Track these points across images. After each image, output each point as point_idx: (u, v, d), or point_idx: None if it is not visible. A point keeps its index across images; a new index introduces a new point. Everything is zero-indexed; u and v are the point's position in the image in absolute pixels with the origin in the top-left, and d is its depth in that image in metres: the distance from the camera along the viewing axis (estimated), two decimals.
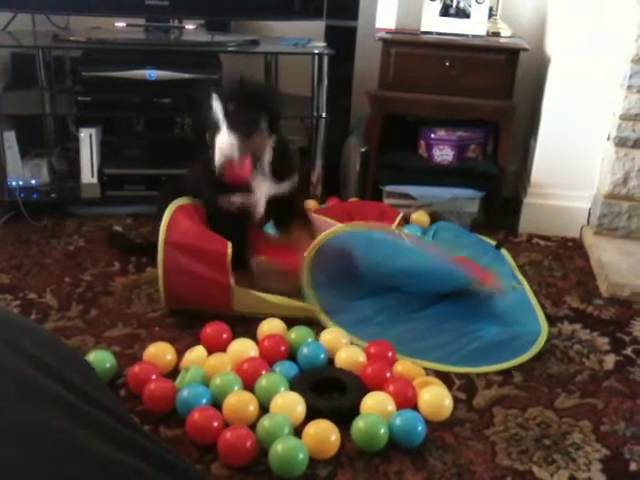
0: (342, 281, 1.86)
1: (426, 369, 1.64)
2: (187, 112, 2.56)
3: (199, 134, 1.81)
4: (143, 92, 2.39)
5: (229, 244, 1.79)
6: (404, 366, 1.61)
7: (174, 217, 1.83)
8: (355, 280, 1.87)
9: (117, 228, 2.30)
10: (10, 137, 2.38)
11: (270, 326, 1.73)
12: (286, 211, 1.97)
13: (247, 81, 1.81)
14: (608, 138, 2.35)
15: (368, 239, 1.88)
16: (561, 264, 2.26)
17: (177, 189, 1.97)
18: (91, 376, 1.08)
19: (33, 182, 2.44)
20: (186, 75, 2.40)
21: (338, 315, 1.80)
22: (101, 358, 1.57)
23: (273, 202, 1.93)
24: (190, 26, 2.59)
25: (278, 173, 1.89)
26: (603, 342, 1.82)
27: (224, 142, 1.70)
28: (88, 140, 2.40)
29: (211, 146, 1.75)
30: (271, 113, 1.82)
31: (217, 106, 1.73)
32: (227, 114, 1.72)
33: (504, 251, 2.26)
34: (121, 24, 2.52)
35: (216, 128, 1.73)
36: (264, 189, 1.89)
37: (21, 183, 2.41)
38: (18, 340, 0.88)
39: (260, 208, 1.91)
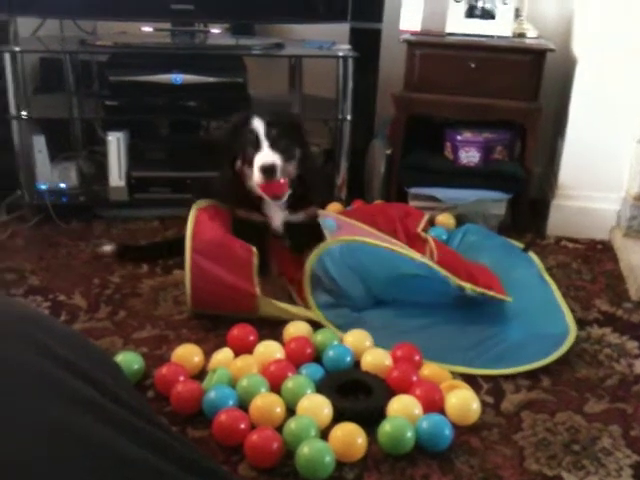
0: (342, 297, 1.86)
1: (452, 373, 1.63)
2: (214, 117, 2.59)
3: (230, 147, 1.89)
4: (169, 96, 2.41)
5: (255, 252, 1.81)
6: (430, 370, 1.61)
7: (199, 221, 1.86)
8: (354, 293, 1.87)
9: (107, 248, 2.19)
10: (40, 141, 2.41)
11: (296, 328, 1.73)
12: (303, 237, 1.98)
13: (286, 112, 1.98)
14: (638, 141, 2.31)
15: (362, 249, 1.88)
16: (590, 267, 2.24)
17: (205, 192, 1.99)
18: (119, 377, 1.09)
19: (62, 185, 2.47)
20: (211, 79, 2.42)
21: (352, 328, 1.76)
22: (129, 359, 1.58)
23: (290, 226, 1.97)
24: (215, 30, 2.61)
25: (296, 203, 1.93)
26: (633, 346, 1.80)
27: (267, 160, 1.80)
28: (116, 144, 2.42)
29: (244, 161, 1.85)
30: (303, 147, 1.92)
31: (259, 127, 1.83)
32: (270, 136, 1.82)
33: (532, 254, 2.24)
34: (147, 28, 2.55)
35: (255, 146, 1.82)
36: (279, 215, 1.94)
37: (50, 186, 2.44)
38: (46, 341, 0.89)
39: (277, 228, 1.96)
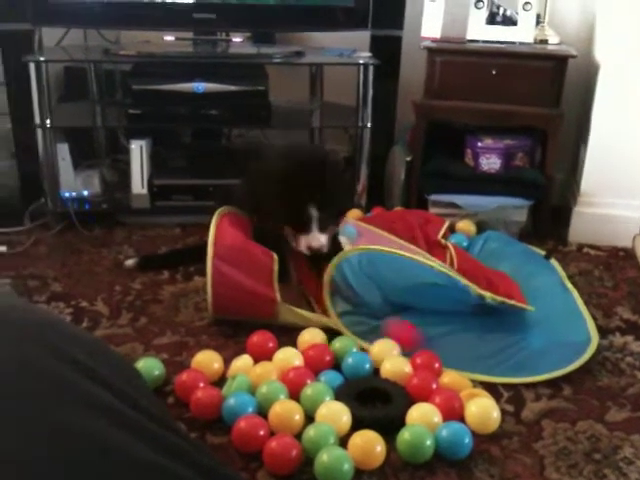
0: (361, 305, 1.86)
1: (472, 381, 1.62)
2: (235, 124, 2.60)
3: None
4: (191, 104, 2.44)
5: (275, 258, 1.82)
6: (450, 377, 1.60)
7: (220, 227, 1.87)
8: (373, 301, 1.86)
9: (130, 262, 2.19)
10: (63, 149, 2.44)
11: (311, 335, 1.73)
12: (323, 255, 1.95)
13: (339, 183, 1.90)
14: None
15: (381, 259, 1.87)
16: (612, 274, 2.22)
17: (226, 199, 2.01)
18: (139, 383, 1.09)
19: (85, 193, 2.50)
20: (233, 87, 2.44)
21: (374, 337, 1.76)
22: (150, 365, 1.60)
23: None
24: (237, 39, 2.63)
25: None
26: None
27: (315, 244, 1.83)
28: (139, 152, 2.45)
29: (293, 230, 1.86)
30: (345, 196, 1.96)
31: (313, 214, 1.80)
32: (320, 220, 1.82)
33: (554, 261, 2.22)
34: (170, 38, 2.58)
35: (305, 225, 1.82)
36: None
37: (74, 194, 2.48)
38: (66, 346, 0.89)
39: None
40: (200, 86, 2.41)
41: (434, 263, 1.88)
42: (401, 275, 1.85)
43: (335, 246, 1.92)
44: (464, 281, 1.80)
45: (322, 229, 1.84)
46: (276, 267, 1.82)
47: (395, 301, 1.87)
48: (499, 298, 1.80)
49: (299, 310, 1.83)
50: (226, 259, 1.82)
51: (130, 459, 0.80)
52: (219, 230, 1.86)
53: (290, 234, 1.88)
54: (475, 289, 1.79)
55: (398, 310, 1.86)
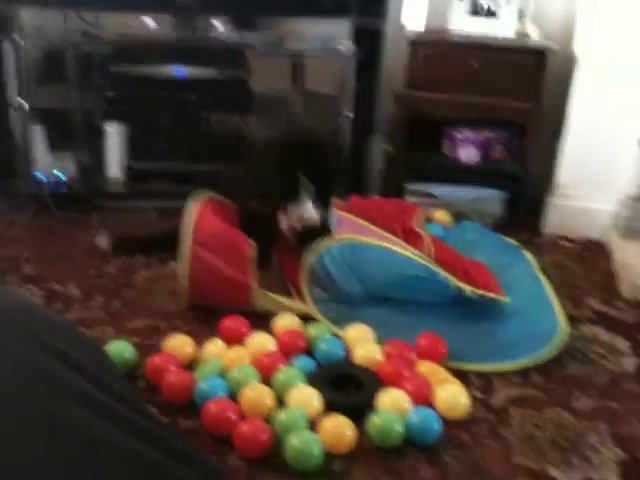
0: (340, 295, 1.87)
1: (446, 368, 1.62)
2: (214, 110, 2.59)
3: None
4: (170, 88, 2.42)
5: (253, 244, 1.82)
6: (426, 366, 1.61)
7: (202, 214, 1.87)
8: (352, 291, 1.88)
9: (101, 240, 2.18)
10: (39, 131, 2.42)
11: (285, 321, 1.74)
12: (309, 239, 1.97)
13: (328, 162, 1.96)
14: (639, 143, 2.31)
15: (361, 250, 1.88)
16: (584, 266, 2.24)
17: (218, 187, 2.04)
18: (108, 367, 1.09)
19: (61, 175, 2.48)
20: (213, 72, 2.43)
21: (347, 324, 1.77)
22: (120, 348, 1.59)
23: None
24: (218, 24, 2.61)
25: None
26: (624, 345, 1.80)
27: (308, 214, 1.85)
28: (115, 135, 2.43)
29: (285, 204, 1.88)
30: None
31: (306, 186, 1.84)
32: (311, 193, 1.85)
33: (526, 252, 2.24)
34: (150, 21, 2.55)
35: (297, 197, 1.85)
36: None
37: (49, 176, 2.45)
38: (38, 330, 0.89)
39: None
40: (179, 71, 2.39)
41: (415, 255, 1.89)
42: (383, 267, 1.86)
43: (325, 230, 1.93)
44: (443, 273, 1.82)
45: (314, 203, 1.86)
46: (254, 254, 1.82)
47: (375, 292, 1.88)
48: (478, 291, 1.82)
49: (274, 296, 1.83)
50: (207, 246, 1.82)
51: (110, 447, 0.80)
52: (200, 217, 1.86)
53: (283, 216, 1.88)
54: (454, 282, 1.81)
55: (377, 300, 1.87)
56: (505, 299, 1.86)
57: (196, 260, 1.81)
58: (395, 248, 1.89)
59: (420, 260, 1.87)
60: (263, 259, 1.86)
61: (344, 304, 1.86)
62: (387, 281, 1.86)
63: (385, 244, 1.90)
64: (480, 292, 1.82)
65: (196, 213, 1.87)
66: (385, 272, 1.86)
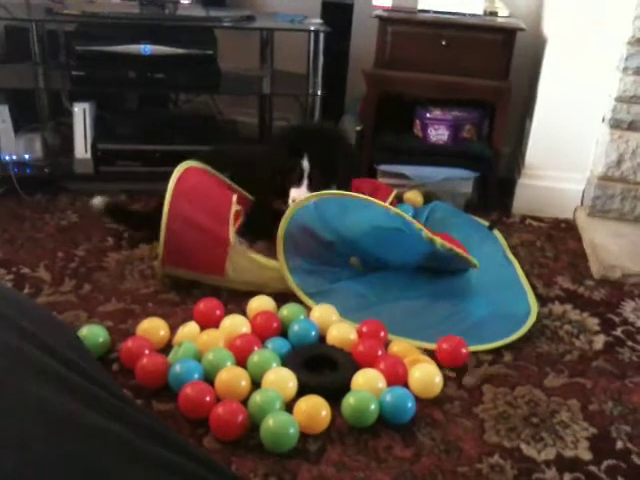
0: (317, 264, 1.87)
1: (419, 348, 1.64)
2: (182, 89, 2.55)
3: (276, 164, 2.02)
4: (137, 67, 2.37)
5: (235, 197, 1.88)
6: (399, 346, 1.62)
7: (186, 171, 1.91)
8: (329, 258, 1.88)
9: (97, 201, 2.23)
10: (3, 111, 2.37)
11: (260, 303, 1.74)
12: None
13: (336, 145, 2.05)
14: (603, 120, 2.35)
15: (338, 204, 1.87)
16: (553, 245, 2.28)
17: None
18: (82, 350, 1.09)
19: (26, 157, 2.42)
20: (180, 50, 2.38)
21: (322, 298, 1.78)
22: (94, 332, 1.57)
23: None
24: (185, 1, 2.57)
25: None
26: (593, 323, 1.84)
27: (301, 195, 1.91)
28: (82, 115, 2.38)
29: (282, 179, 2.00)
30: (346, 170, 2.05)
31: (306, 166, 1.96)
32: (311, 176, 1.97)
33: (496, 232, 2.27)
34: None
35: (296, 176, 1.97)
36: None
37: (14, 158, 2.40)
38: (11, 313, 0.88)
39: None
40: (146, 48, 2.35)
41: (389, 206, 1.89)
42: (358, 219, 1.85)
43: None
44: (417, 225, 1.83)
45: (311, 186, 1.94)
46: (235, 208, 1.86)
47: (350, 242, 1.86)
48: (447, 245, 1.82)
49: (251, 254, 1.83)
50: (186, 196, 1.83)
51: (80, 425, 0.80)
52: (185, 173, 1.89)
53: (284, 205, 1.92)
54: (427, 233, 1.81)
55: (349, 275, 1.88)
56: (474, 260, 1.87)
57: (174, 208, 1.80)
58: (370, 198, 1.88)
59: (395, 210, 1.87)
60: (267, 230, 1.90)
61: (322, 278, 1.85)
62: (362, 232, 1.84)
63: (358, 195, 1.88)
64: (449, 246, 1.82)
65: (181, 171, 1.89)
66: (360, 224, 1.85)
